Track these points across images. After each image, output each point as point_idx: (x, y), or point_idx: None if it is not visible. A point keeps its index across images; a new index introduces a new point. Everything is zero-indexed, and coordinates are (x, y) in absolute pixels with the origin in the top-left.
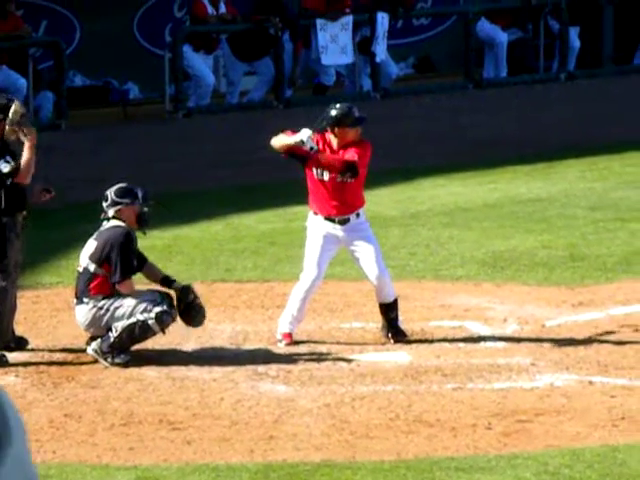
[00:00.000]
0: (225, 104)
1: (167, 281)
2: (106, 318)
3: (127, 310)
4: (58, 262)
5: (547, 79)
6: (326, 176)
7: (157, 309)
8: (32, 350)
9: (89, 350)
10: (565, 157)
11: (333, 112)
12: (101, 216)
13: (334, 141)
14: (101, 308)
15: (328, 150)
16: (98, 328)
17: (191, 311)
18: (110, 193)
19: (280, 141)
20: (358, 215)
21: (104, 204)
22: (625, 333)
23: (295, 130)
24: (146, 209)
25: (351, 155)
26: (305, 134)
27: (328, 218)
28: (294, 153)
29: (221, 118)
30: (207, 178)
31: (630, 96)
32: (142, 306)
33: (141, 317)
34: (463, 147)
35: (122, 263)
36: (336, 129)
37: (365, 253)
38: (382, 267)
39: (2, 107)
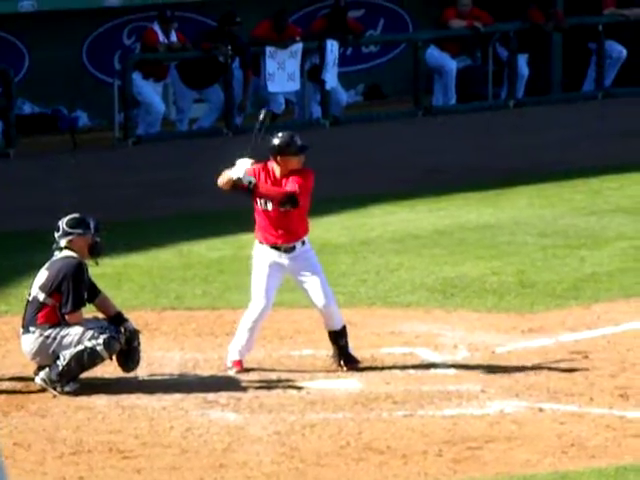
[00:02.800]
0: (175, 132)
1: (119, 319)
2: (53, 347)
3: (74, 338)
4: (7, 290)
5: (496, 106)
6: (269, 206)
7: (104, 335)
8: None
9: (37, 379)
10: (514, 184)
11: (275, 141)
12: (53, 246)
13: (277, 170)
14: (48, 337)
15: (272, 178)
16: (45, 357)
17: (130, 355)
18: (62, 223)
19: (223, 178)
20: (303, 243)
21: (56, 234)
22: (575, 360)
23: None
24: (98, 239)
25: (291, 186)
26: (241, 170)
27: (274, 247)
28: (237, 188)
29: (171, 145)
30: (157, 206)
31: (579, 123)
32: (89, 333)
33: (89, 344)
34: (413, 174)
35: (73, 294)
36: (279, 158)
37: (311, 282)
38: (329, 295)
39: None
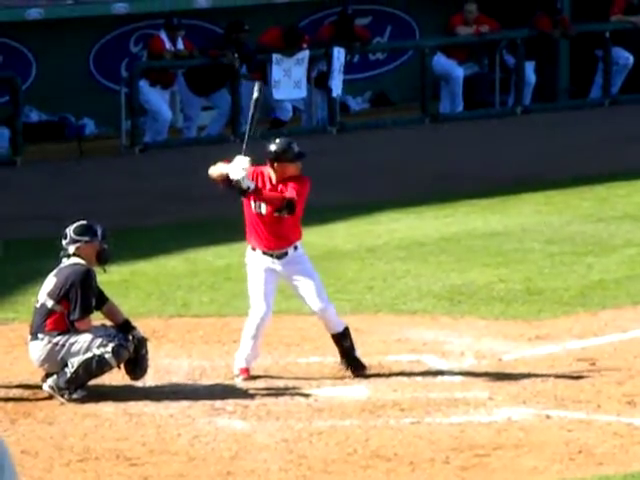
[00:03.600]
0: (182, 139)
1: (127, 327)
2: (62, 354)
3: (83, 345)
4: (14, 298)
5: (503, 113)
6: (264, 209)
7: (113, 343)
8: None
9: (45, 386)
10: (521, 191)
11: (272, 147)
12: (61, 253)
13: (273, 175)
14: (56, 344)
15: (268, 184)
16: (53, 364)
17: (138, 363)
18: (69, 231)
19: (219, 170)
20: (296, 248)
21: (63, 242)
22: (582, 367)
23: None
24: (106, 246)
25: (290, 192)
26: (240, 172)
27: (266, 253)
28: (230, 185)
29: (178, 153)
30: (164, 213)
31: (586, 130)
32: (98, 341)
33: (97, 352)
34: (420, 181)
35: (82, 301)
36: (275, 164)
37: (306, 287)
38: (325, 299)
39: None
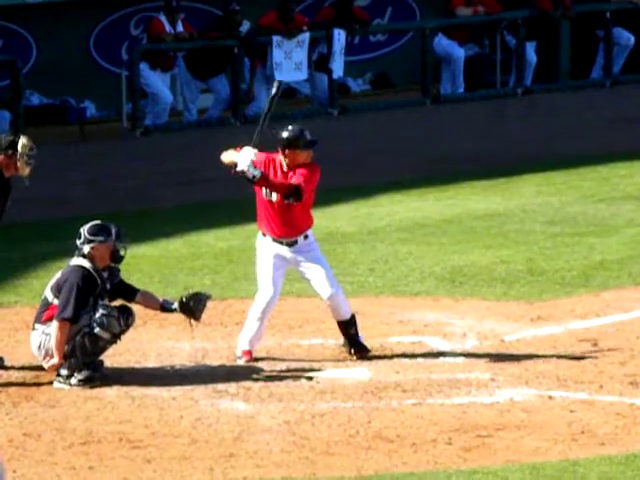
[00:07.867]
0: (182, 122)
1: (165, 308)
2: (51, 343)
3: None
4: (17, 281)
5: (504, 94)
6: (274, 196)
7: (95, 316)
8: None
9: (55, 384)
10: (522, 172)
11: (284, 134)
12: (75, 253)
13: (284, 162)
14: (48, 334)
15: (279, 172)
16: (48, 355)
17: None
18: (84, 231)
19: (229, 158)
20: (306, 237)
21: (78, 242)
22: (584, 347)
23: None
24: (121, 246)
25: (297, 179)
26: (246, 161)
27: (276, 240)
28: (239, 174)
29: (179, 136)
30: (165, 196)
31: (587, 110)
32: (82, 322)
33: (85, 330)
34: (421, 163)
35: (75, 301)
36: (287, 151)
37: (316, 274)
38: (335, 286)
39: (11, 143)
